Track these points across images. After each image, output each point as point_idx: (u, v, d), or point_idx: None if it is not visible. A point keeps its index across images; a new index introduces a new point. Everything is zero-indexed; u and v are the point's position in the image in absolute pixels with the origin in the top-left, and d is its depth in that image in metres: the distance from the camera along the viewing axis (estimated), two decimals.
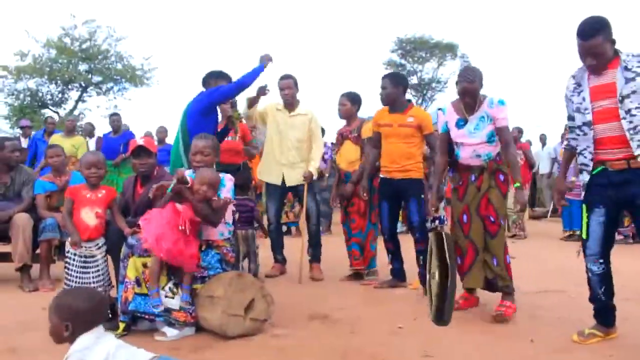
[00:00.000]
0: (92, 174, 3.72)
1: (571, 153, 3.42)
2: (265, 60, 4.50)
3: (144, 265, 3.31)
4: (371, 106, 5.56)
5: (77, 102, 20.40)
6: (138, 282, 3.29)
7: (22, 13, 30.07)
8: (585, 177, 3.19)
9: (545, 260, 6.44)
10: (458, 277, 3.68)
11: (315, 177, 5.25)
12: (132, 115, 33.75)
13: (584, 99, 3.09)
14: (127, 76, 19.83)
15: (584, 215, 3.19)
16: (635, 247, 7.45)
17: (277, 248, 5.42)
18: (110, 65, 20.09)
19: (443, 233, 3.49)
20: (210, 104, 4.34)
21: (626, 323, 3.36)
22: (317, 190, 5.54)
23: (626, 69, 2.95)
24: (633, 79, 2.92)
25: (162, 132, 9.56)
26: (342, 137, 5.26)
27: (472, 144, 3.84)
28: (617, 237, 7.55)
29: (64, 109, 20.10)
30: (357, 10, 40.62)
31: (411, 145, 4.56)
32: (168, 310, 3.24)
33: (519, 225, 8.81)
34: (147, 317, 3.31)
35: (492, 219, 3.78)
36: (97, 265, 3.60)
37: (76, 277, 3.55)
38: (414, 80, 26.18)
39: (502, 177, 3.87)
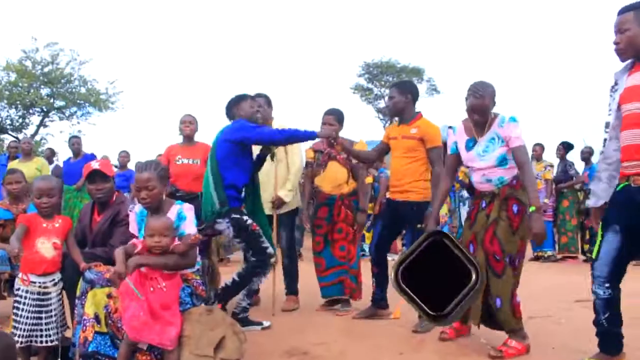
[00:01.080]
0: (44, 203, 3.27)
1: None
2: (324, 134, 4.15)
3: (109, 296, 2.95)
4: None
5: (38, 127, 19.76)
6: (97, 319, 2.93)
7: None
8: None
9: (527, 284, 6.24)
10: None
11: (287, 200, 4.85)
12: (97, 140, 33.05)
13: (614, 99, 2.84)
14: (91, 100, 19.29)
15: (599, 233, 2.91)
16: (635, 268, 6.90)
17: None
18: (73, 89, 19.52)
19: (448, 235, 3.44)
20: (245, 139, 3.99)
21: (624, 349, 3.09)
22: (290, 218, 5.09)
23: None
24: None
25: (125, 156, 9.19)
26: (328, 157, 4.85)
27: (481, 167, 3.49)
28: None
29: (25, 134, 19.40)
30: (324, 35, 40.94)
31: (413, 160, 4.16)
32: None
33: None
34: None
35: (497, 256, 3.38)
36: (51, 305, 3.20)
37: (27, 317, 3.12)
38: (381, 104, 26.40)
39: (515, 208, 3.40)
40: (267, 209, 4.70)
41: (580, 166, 9.03)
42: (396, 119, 4.50)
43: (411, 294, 3.43)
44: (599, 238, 2.90)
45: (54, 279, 3.22)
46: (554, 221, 8.66)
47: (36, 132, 19.60)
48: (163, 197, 3.29)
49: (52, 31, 33.40)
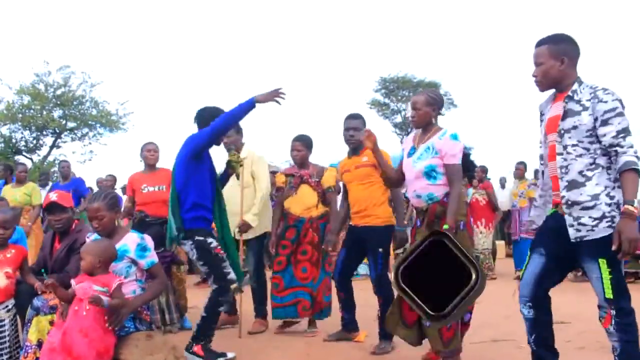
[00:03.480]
0: None
1: None
2: (264, 99, 3.84)
3: (51, 323, 3.06)
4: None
5: (51, 148, 20.28)
6: (40, 346, 3.04)
7: None
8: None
9: (508, 304, 6.20)
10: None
11: (254, 225, 4.87)
12: (108, 161, 33.54)
13: (541, 131, 2.89)
14: (102, 121, 19.74)
15: (528, 255, 2.95)
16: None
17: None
18: (85, 110, 20.02)
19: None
20: (197, 146, 3.89)
21: None
22: (257, 242, 5.13)
23: (574, 99, 2.69)
24: (578, 113, 2.64)
25: (110, 180, 9.36)
26: (300, 180, 4.90)
27: (411, 177, 3.58)
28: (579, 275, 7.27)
29: (38, 155, 19.99)
30: (341, 51, 41.24)
31: (370, 185, 4.27)
32: None
33: (488, 266, 8.61)
34: None
35: None
36: (4, 332, 3.32)
37: None
38: (397, 119, 26.53)
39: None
40: (234, 234, 4.75)
41: None
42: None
43: (411, 294, 3.35)
44: (527, 259, 2.93)
45: (6, 306, 3.37)
46: None
47: (49, 153, 20.12)
48: (116, 223, 3.42)
49: (64, 55, 34.19)
